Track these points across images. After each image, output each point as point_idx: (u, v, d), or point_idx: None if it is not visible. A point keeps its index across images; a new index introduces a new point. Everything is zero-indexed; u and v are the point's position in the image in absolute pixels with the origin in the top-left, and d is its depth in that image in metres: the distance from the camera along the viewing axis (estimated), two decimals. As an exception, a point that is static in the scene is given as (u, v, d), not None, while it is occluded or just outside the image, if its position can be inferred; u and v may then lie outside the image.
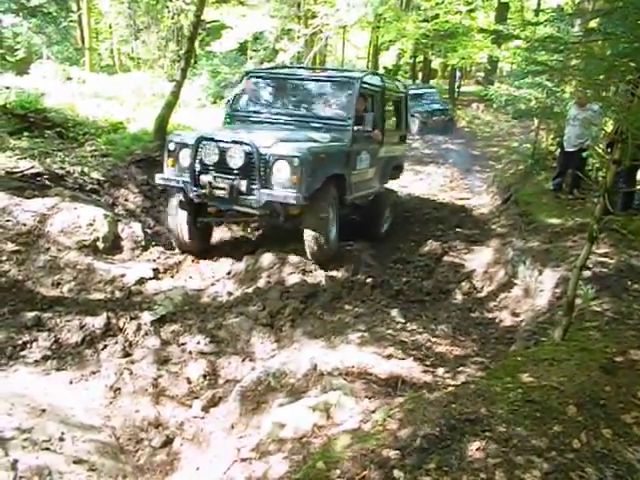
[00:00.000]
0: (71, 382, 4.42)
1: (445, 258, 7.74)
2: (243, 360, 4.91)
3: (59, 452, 3.33)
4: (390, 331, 5.47)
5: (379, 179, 8.33)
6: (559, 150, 9.42)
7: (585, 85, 4.71)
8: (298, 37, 17.09)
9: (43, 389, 4.16)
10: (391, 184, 9.51)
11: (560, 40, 3.95)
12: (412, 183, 13.32)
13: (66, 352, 4.71)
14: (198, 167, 6.21)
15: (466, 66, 33.10)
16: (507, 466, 2.55)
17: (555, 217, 7.73)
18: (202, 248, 7.02)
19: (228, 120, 7.69)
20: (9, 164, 7.14)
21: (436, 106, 21.97)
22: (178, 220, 6.75)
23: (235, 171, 6.07)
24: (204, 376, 4.64)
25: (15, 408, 3.61)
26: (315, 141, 6.52)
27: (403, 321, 5.78)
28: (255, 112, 7.60)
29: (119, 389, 4.39)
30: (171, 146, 6.44)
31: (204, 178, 6.13)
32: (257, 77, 8.02)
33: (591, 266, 5.53)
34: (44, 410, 3.73)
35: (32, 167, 7.16)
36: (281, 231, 7.11)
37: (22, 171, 6.97)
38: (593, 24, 6.62)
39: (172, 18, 20.08)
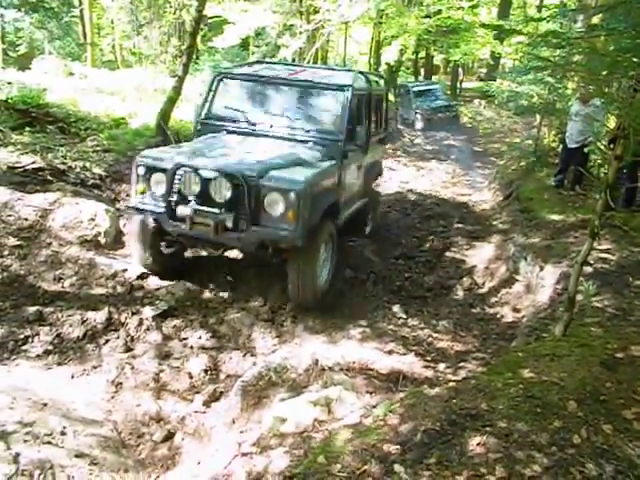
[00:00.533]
0: (73, 376, 4.43)
1: (447, 254, 7.76)
2: (244, 355, 4.92)
3: (61, 446, 3.34)
4: (391, 326, 5.49)
5: (364, 189, 7.52)
6: (561, 146, 9.42)
7: (588, 81, 4.70)
8: (300, 33, 17.05)
9: (45, 383, 4.17)
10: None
11: (563, 36, 3.94)
12: (414, 179, 13.33)
13: (68, 347, 4.71)
14: (175, 197, 5.22)
15: (468, 62, 33.04)
16: (507, 461, 2.56)
17: (557, 213, 7.73)
18: (173, 269, 6.05)
19: (199, 129, 6.58)
20: (11, 159, 7.14)
21: (441, 102, 21.84)
22: (141, 243, 5.79)
23: (220, 205, 5.12)
24: (205, 371, 4.65)
25: (17, 402, 3.62)
26: (307, 164, 5.65)
27: (404, 316, 5.81)
28: (231, 120, 6.48)
29: (120, 383, 4.40)
30: (140, 170, 5.41)
31: (182, 210, 5.16)
32: (232, 79, 6.86)
33: (592, 262, 5.53)
34: (46, 404, 3.74)
35: (34, 162, 7.16)
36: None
37: (24, 166, 6.97)
38: (596, 20, 6.62)
39: (174, 13, 20.03)
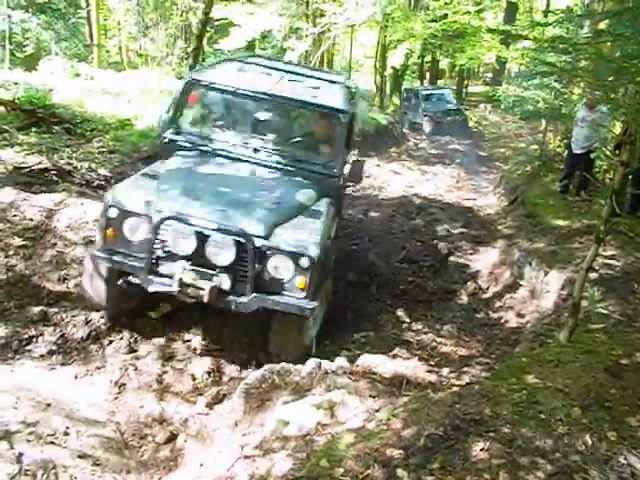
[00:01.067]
0: (76, 377, 4.43)
1: (451, 258, 7.75)
2: (247, 358, 4.92)
3: (64, 446, 3.34)
4: (395, 330, 5.48)
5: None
6: (566, 152, 9.41)
7: (594, 87, 4.69)
8: (306, 36, 17.10)
9: (48, 383, 4.17)
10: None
11: (569, 41, 3.94)
12: (419, 183, 13.32)
13: (71, 347, 4.71)
14: (160, 253, 4.39)
15: (474, 67, 33.04)
16: (511, 467, 2.55)
17: (562, 219, 7.72)
18: (131, 309, 5.11)
19: (165, 142, 5.48)
20: (17, 159, 7.16)
21: (450, 106, 21.82)
22: (96, 284, 4.83)
23: (216, 265, 4.34)
24: (208, 373, 4.65)
25: (20, 402, 3.62)
26: (310, 212, 4.90)
27: (408, 320, 5.80)
28: (206, 139, 5.49)
29: (124, 385, 4.40)
30: (112, 212, 4.42)
31: (168, 268, 4.33)
32: (207, 89, 5.79)
33: (597, 268, 5.52)
34: (49, 404, 3.74)
35: (40, 162, 7.18)
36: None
37: (30, 166, 6.99)
38: (602, 25, 6.61)
39: (181, 15, 20.12)
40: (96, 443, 3.53)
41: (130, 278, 4.59)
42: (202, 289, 4.23)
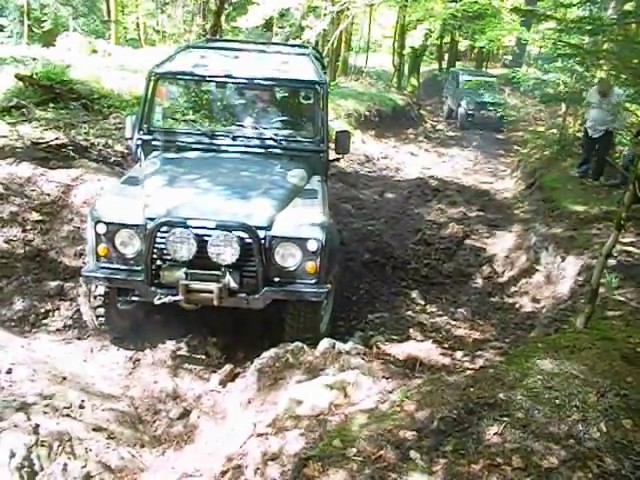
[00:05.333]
0: (91, 351, 4.48)
1: (466, 241, 7.70)
2: (261, 336, 4.93)
3: (79, 419, 3.39)
4: (409, 312, 5.48)
5: None
6: (583, 136, 9.26)
7: (619, 69, 4.60)
8: (325, 14, 16.88)
9: (64, 357, 4.23)
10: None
11: (597, 21, 3.85)
12: (435, 165, 13.24)
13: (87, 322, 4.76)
14: (159, 262, 4.17)
15: (493, 49, 32.56)
16: (524, 452, 2.54)
17: (580, 204, 7.63)
18: (132, 327, 4.79)
19: (138, 145, 5.09)
20: (35, 135, 7.18)
21: (487, 98, 18.62)
22: (94, 306, 4.43)
23: (222, 265, 4.10)
24: (222, 350, 4.67)
25: (37, 374, 3.67)
26: (304, 192, 4.68)
27: (423, 303, 5.79)
28: (182, 134, 5.20)
29: (138, 360, 4.45)
30: (100, 228, 4.11)
31: (171, 276, 4.13)
32: (174, 80, 5.61)
33: (616, 255, 5.45)
34: (65, 378, 3.79)
35: (57, 138, 7.19)
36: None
37: (47, 142, 7.00)
38: (628, 7, 6.47)
39: (198, -8, 19.96)
40: (111, 417, 3.57)
41: (130, 297, 4.45)
42: (210, 292, 4.05)
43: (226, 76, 5.31)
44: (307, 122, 5.43)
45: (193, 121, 5.45)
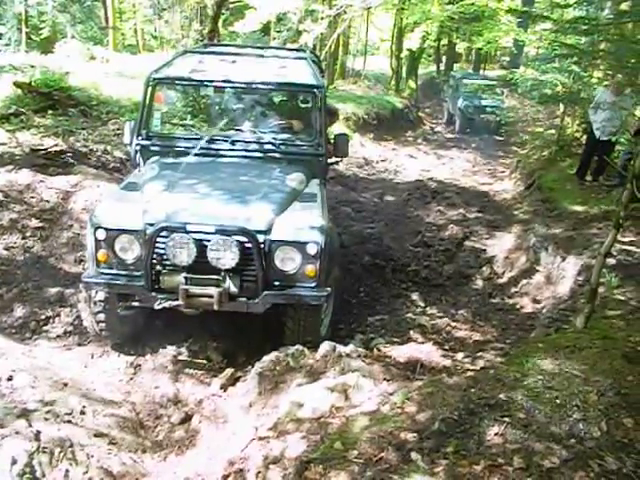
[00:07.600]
0: (92, 357, 4.49)
1: (466, 243, 7.70)
2: (262, 340, 4.93)
3: (80, 425, 3.39)
4: (410, 314, 5.48)
5: None
6: (586, 138, 9.12)
7: (616, 69, 4.61)
8: (322, 18, 16.90)
9: (65, 363, 4.24)
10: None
11: (593, 21, 3.86)
12: (434, 167, 13.25)
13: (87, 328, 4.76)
14: (159, 267, 4.19)
15: (491, 50, 32.61)
16: (526, 452, 2.54)
17: (579, 204, 7.65)
18: (132, 332, 4.77)
19: (137, 150, 5.09)
20: (34, 141, 7.20)
21: (487, 101, 18.17)
22: (94, 312, 4.44)
23: (221, 269, 4.11)
24: (223, 355, 4.67)
25: (38, 381, 3.67)
26: (303, 196, 4.68)
27: (423, 305, 5.79)
28: (180, 139, 5.24)
29: (139, 365, 4.45)
30: (100, 234, 4.13)
31: (171, 281, 4.15)
32: (172, 85, 5.67)
33: (615, 254, 5.46)
34: (66, 384, 3.79)
35: (56, 145, 7.22)
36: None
37: (46, 149, 7.03)
38: (624, 7, 6.47)
39: (196, -3, 20.00)
40: (112, 422, 3.57)
41: (131, 302, 4.41)
42: (210, 297, 4.06)
43: (224, 81, 5.34)
44: (305, 125, 5.44)
45: (191, 126, 5.50)
